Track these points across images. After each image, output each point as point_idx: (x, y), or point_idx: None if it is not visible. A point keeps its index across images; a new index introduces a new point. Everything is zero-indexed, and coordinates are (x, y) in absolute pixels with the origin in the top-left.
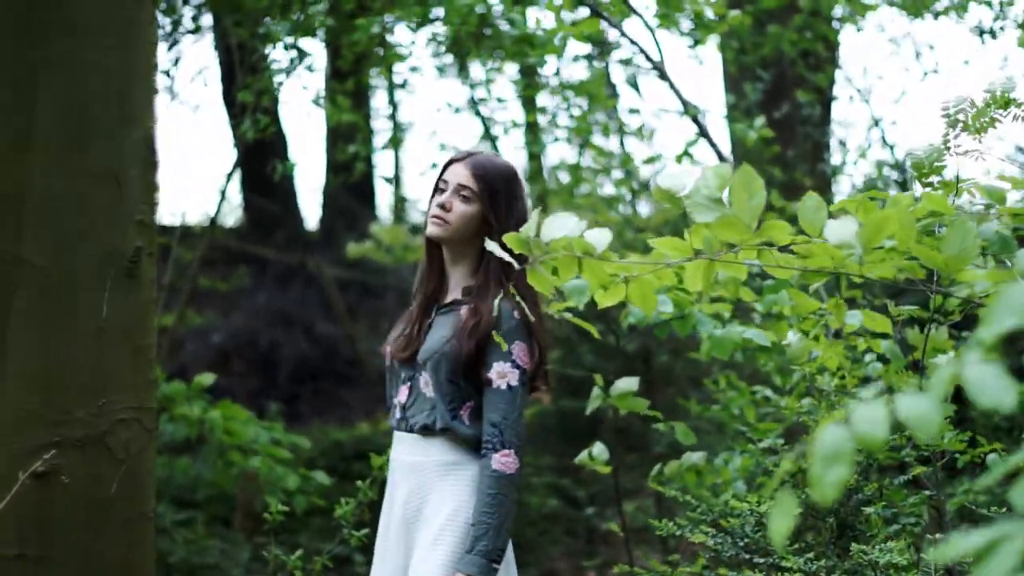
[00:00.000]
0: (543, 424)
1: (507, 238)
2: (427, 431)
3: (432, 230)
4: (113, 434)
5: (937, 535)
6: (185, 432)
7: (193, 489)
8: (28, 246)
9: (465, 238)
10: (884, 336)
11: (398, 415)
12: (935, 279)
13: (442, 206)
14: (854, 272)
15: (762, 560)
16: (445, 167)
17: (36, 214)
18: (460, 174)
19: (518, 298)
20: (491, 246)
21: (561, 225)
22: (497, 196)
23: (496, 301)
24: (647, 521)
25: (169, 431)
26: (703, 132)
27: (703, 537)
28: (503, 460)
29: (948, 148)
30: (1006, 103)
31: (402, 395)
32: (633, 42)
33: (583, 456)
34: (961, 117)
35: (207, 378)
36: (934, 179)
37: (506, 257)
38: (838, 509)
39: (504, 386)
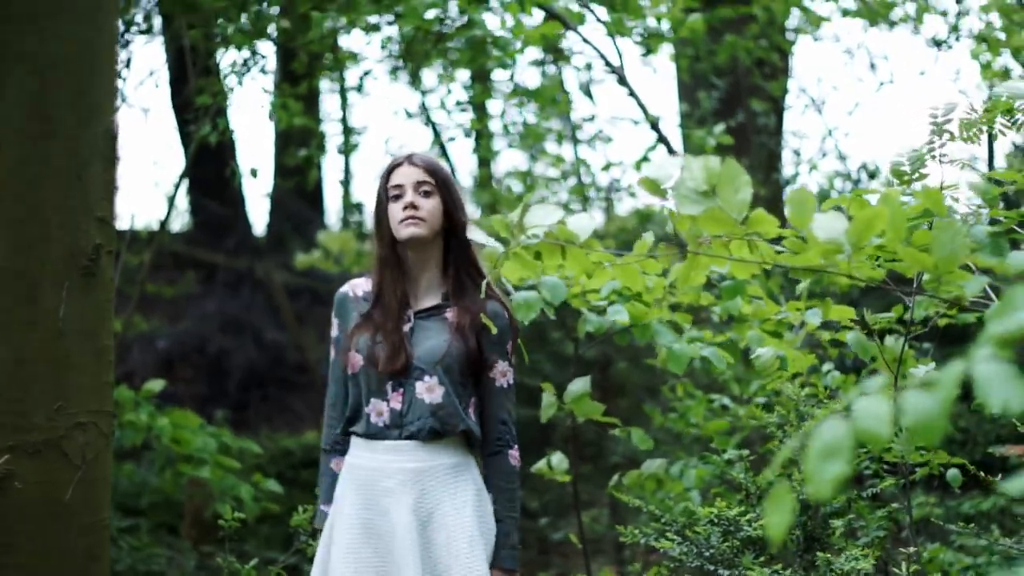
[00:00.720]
0: None
1: (494, 221)
2: (434, 436)
3: (411, 231)
4: (70, 439)
5: (909, 548)
6: (132, 439)
7: (138, 496)
8: None
9: (435, 234)
10: (848, 328)
11: (385, 423)
12: (915, 283)
13: (412, 205)
14: (842, 272)
15: (727, 572)
16: (388, 174)
17: None
18: (412, 173)
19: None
20: (474, 233)
21: (544, 214)
22: (450, 186)
23: (485, 299)
24: (611, 527)
25: (116, 437)
26: (662, 138)
27: (669, 544)
28: (515, 455)
29: (933, 155)
30: (1009, 110)
31: (394, 402)
32: (593, 47)
33: (541, 465)
34: (949, 126)
35: (156, 384)
36: (915, 186)
37: (490, 243)
38: (805, 522)
39: (506, 384)
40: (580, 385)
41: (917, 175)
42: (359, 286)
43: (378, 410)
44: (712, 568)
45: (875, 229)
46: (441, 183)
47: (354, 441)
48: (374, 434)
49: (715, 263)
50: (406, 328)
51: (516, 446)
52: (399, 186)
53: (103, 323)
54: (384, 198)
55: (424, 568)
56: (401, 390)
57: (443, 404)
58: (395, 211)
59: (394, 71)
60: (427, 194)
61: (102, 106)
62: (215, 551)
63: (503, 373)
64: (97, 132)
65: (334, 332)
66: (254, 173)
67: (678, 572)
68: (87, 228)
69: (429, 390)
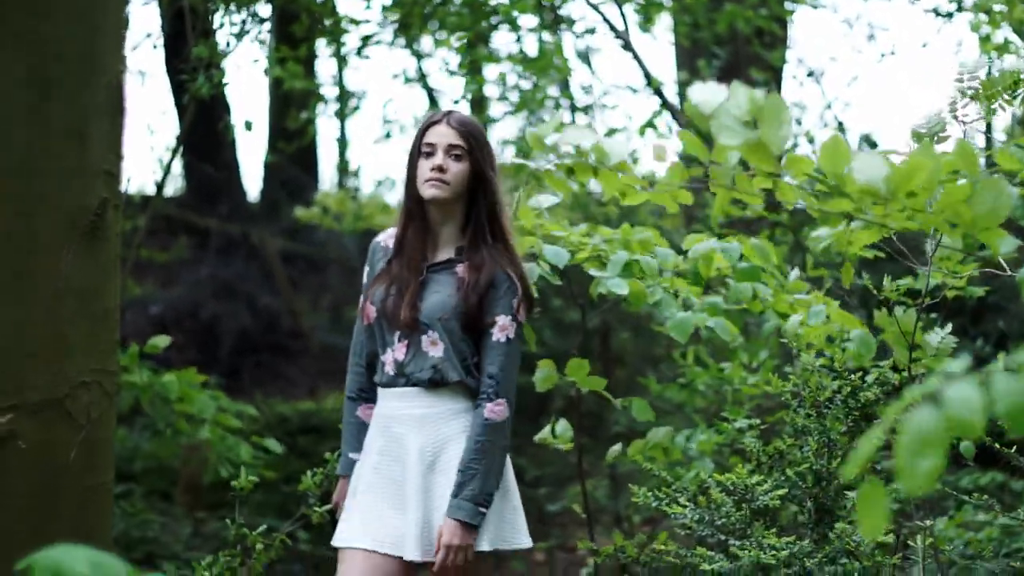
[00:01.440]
0: None
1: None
2: (436, 384)
3: (433, 192)
4: (73, 398)
5: (925, 522)
6: (131, 401)
7: (131, 461)
8: None
9: (458, 196)
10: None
11: (392, 372)
12: (934, 248)
13: (439, 167)
14: (876, 220)
15: (738, 542)
16: (424, 130)
17: None
18: (446, 134)
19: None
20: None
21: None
22: (484, 149)
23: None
24: (611, 498)
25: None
26: (666, 103)
27: (681, 510)
28: (495, 409)
29: (955, 116)
30: (1016, 83)
31: (399, 353)
32: (597, 10)
33: (544, 434)
34: (973, 85)
35: (162, 340)
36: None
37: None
38: (817, 494)
39: (504, 339)
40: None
41: (938, 138)
42: (391, 236)
43: (389, 359)
44: (723, 538)
45: (917, 179)
46: (473, 147)
47: (378, 390)
48: (387, 383)
49: (748, 200)
50: (420, 281)
51: (502, 400)
52: (431, 144)
53: (108, 280)
54: (416, 153)
55: (424, 511)
56: (407, 341)
57: (443, 359)
58: (423, 168)
59: (395, 37)
60: (457, 158)
61: (107, 57)
62: (209, 517)
63: (503, 328)
64: (101, 84)
65: (364, 280)
66: (248, 126)
67: (688, 540)
68: (92, 183)
69: (432, 344)
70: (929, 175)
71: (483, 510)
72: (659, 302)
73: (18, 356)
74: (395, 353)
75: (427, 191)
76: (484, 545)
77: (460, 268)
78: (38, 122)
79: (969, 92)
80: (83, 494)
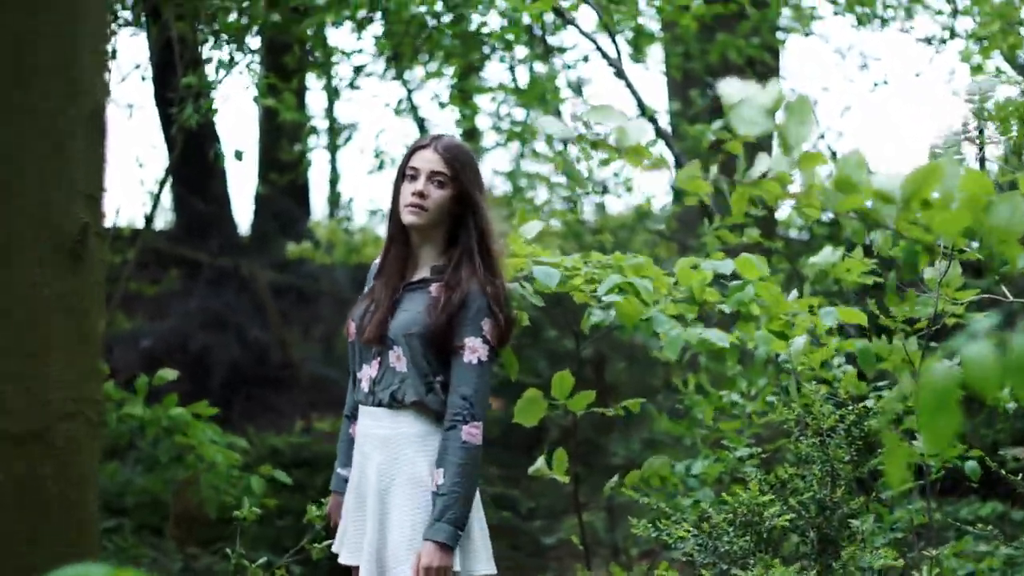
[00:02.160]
0: (486, 434)
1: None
2: (396, 404)
3: (410, 218)
4: (55, 428)
5: (932, 549)
6: (127, 435)
7: (121, 495)
8: None
9: (439, 221)
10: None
11: (365, 389)
12: (942, 274)
13: (419, 194)
14: (885, 224)
15: (741, 572)
16: (411, 154)
17: None
18: (431, 160)
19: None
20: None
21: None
22: (468, 175)
23: (468, 279)
24: (608, 531)
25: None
26: (660, 133)
27: (684, 534)
28: (472, 432)
29: (968, 137)
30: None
31: (372, 370)
32: (589, 38)
33: (539, 465)
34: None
35: (169, 373)
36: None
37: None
38: (820, 524)
39: (475, 361)
40: (564, 377)
41: (954, 157)
42: None
43: (365, 376)
44: (725, 568)
45: (931, 185)
46: (458, 173)
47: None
48: (361, 400)
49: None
50: (395, 299)
51: (478, 423)
52: (415, 169)
53: (92, 306)
54: (401, 176)
55: (379, 535)
56: (379, 359)
57: (405, 375)
58: (405, 192)
59: (387, 67)
60: (440, 184)
61: (88, 77)
62: (201, 552)
63: (473, 350)
64: (83, 104)
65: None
66: (239, 156)
67: (688, 569)
68: (72, 206)
69: (398, 359)
70: (946, 184)
71: (461, 532)
72: (650, 319)
73: None
74: (370, 370)
75: (406, 216)
76: (457, 566)
77: (434, 287)
78: (15, 137)
79: (983, 113)
80: (67, 529)
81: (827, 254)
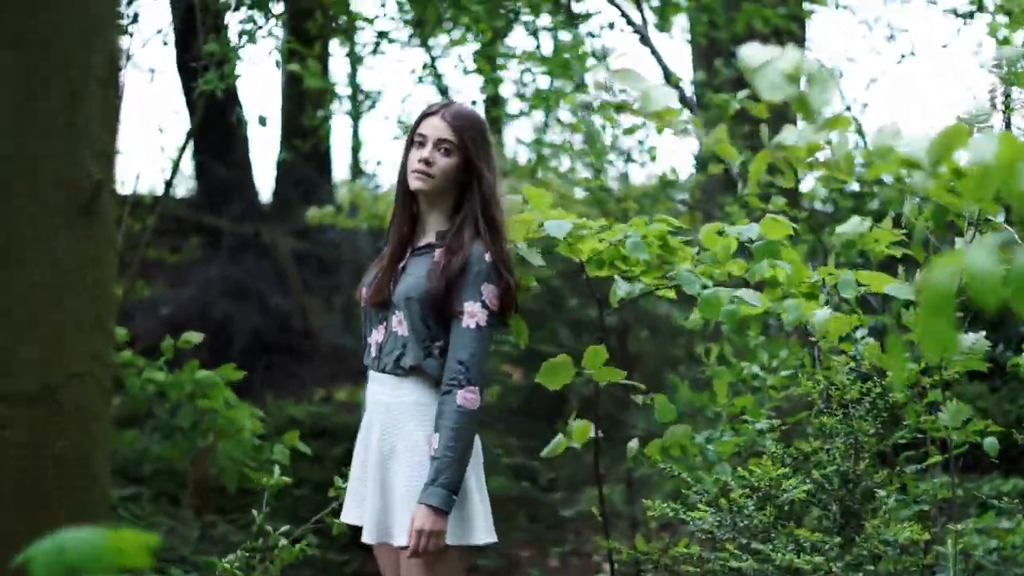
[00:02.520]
0: (507, 404)
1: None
2: (399, 370)
3: (416, 184)
4: (65, 388)
5: (957, 525)
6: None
7: (139, 463)
8: None
9: (444, 188)
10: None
11: (373, 354)
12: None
13: (425, 161)
14: (917, 191)
15: (761, 546)
16: (420, 120)
17: None
18: (438, 127)
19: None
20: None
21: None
22: (475, 144)
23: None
24: (627, 503)
25: (115, 403)
26: (685, 101)
27: (702, 514)
28: (467, 396)
29: (995, 105)
30: None
31: (378, 335)
32: (615, 4)
33: (554, 445)
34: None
35: (195, 336)
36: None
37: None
38: (843, 496)
39: (473, 325)
40: (597, 350)
41: (982, 126)
42: None
43: (372, 341)
44: (745, 541)
45: (958, 144)
46: (464, 141)
47: None
48: (369, 365)
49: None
50: (401, 264)
51: (474, 388)
52: (423, 135)
53: (104, 265)
54: (410, 142)
55: (381, 500)
56: (384, 324)
57: (406, 338)
58: (412, 158)
59: (411, 35)
60: (446, 152)
61: (101, 28)
62: (218, 520)
63: (471, 314)
64: (96, 56)
65: None
66: (262, 121)
67: (710, 544)
68: (84, 161)
69: (399, 323)
70: (976, 147)
71: (455, 497)
72: (683, 279)
73: (7, 341)
74: (377, 335)
75: (412, 182)
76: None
77: (437, 252)
78: (26, 90)
79: (1010, 82)
80: (76, 491)
81: (855, 223)
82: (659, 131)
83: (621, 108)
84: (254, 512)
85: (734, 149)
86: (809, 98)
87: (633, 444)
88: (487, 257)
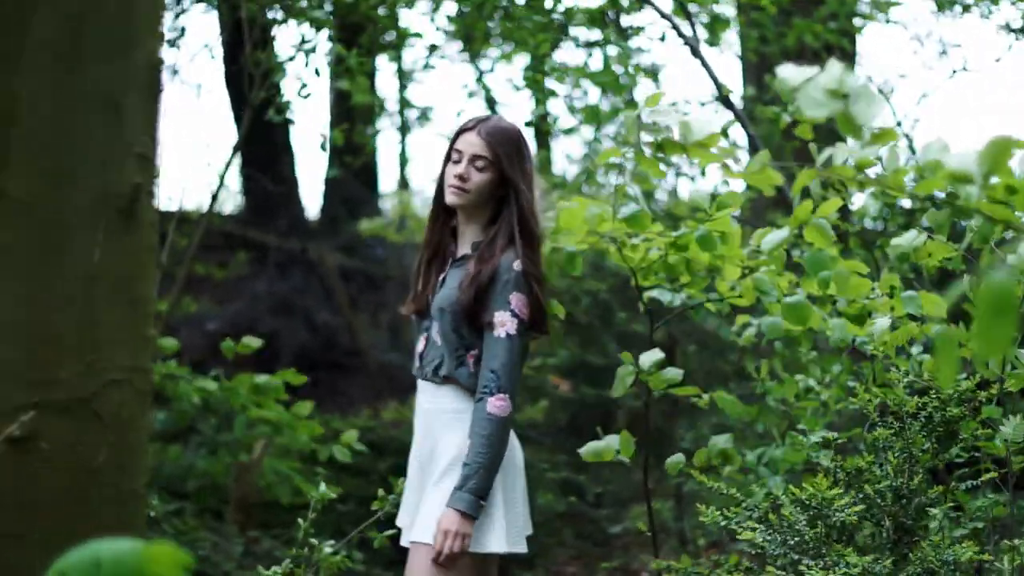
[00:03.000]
0: (554, 419)
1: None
2: (437, 378)
3: (452, 199)
4: (103, 397)
5: (1014, 541)
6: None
7: (183, 479)
8: (14, 179)
9: (481, 202)
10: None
11: (417, 363)
12: None
13: (460, 176)
14: (967, 206)
15: (812, 562)
16: (456, 136)
17: (24, 143)
18: (474, 143)
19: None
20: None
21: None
22: (510, 159)
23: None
24: (676, 519)
25: (160, 418)
26: (736, 114)
27: (751, 535)
28: (498, 404)
29: None
30: None
31: (420, 344)
32: (666, 17)
33: (593, 447)
34: None
35: (254, 341)
36: None
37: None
38: (896, 512)
39: (503, 335)
40: (653, 356)
41: None
42: None
43: (417, 350)
44: (797, 558)
45: (1007, 156)
46: (499, 157)
47: None
48: (415, 373)
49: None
50: (441, 276)
51: (504, 396)
52: (459, 151)
53: (142, 270)
54: (447, 157)
55: (417, 507)
56: (426, 333)
57: (441, 349)
58: (449, 173)
59: (461, 50)
60: (481, 169)
61: (145, 30)
62: (262, 535)
63: (502, 323)
64: (138, 59)
65: None
66: (324, 146)
67: (760, 561)
68: (124, 165)
69: (437, 333)
70: None
71: (483, 503)
72: (761, 285)
73: (44, 345)
74: (420, 344)
75: (448, 197)
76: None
77: (471, 263)
78: (68, 93)
79: None
80: (113, 502)
81: (911, 236)
82: (702, 168)
83: (662, 147)
84: (299, 521)
85: (776, 175)
86: (855, 114)
87: (675, 458)
88: (516, 266)
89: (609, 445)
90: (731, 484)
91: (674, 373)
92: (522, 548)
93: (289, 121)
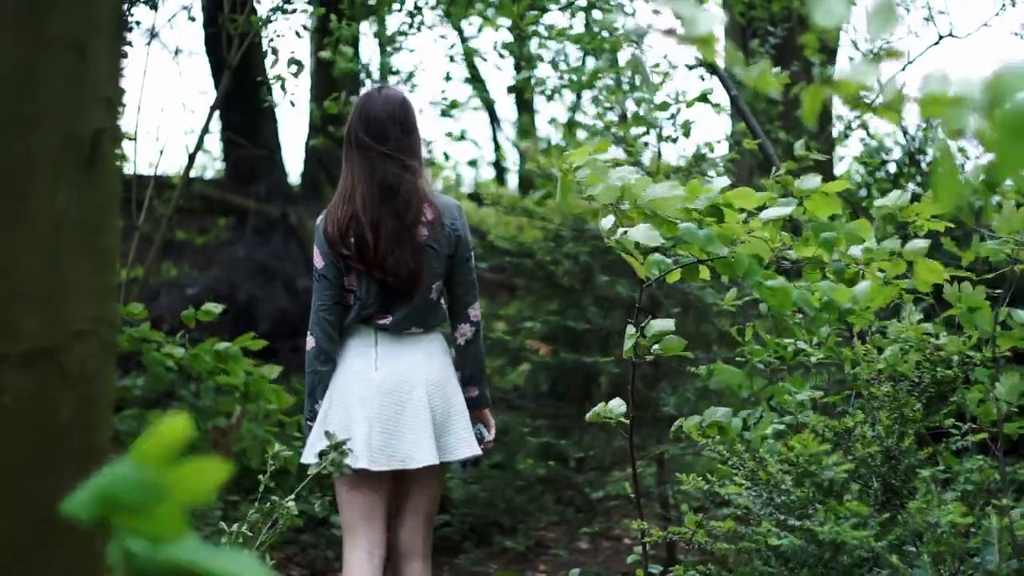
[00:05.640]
0: (536, 384)
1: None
2: None
3: None
4: (66, 349)
5: (1004, 501)
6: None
7: None
8: None
9: None
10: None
11: None
12: None
13: None
14: (970, 135)
15: (797, 523)
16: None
17: None
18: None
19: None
20: None
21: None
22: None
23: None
24: (659, 483)
25: (138, 383)
26: (719, 76)
27: (736, 490)
28: (307, 339)
29: None
30: None
31: None
32: None
33: (597, 410)
34: None
35: (215, 307)
36: None
37: None
38: (885, 473)
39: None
40: (664, 324)
41: None
42: None
43: None
44: (783, 518)
45: (1018, 85)
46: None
47: None
48: None
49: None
50: None
51: (309, 334)
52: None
53: (106, 219)
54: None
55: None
56: None
57: None
58: None
59: (443, 16)
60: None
61: None
62: (240, 500)
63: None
64: (101, 2)
65: None
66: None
67: (746, 521)
68: (88, 110)
69: None
70: None
71: (309, 424)
72: (748, 267)
73: (6, 296)
74: None
75: None
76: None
77: None
78: (32, 36)
79: None
80: (79, 457)
81: (896, 196)
82: (686, 130)
83: (670, 33)
84: (260, 477)
85: (777, 82)
86: (872, 26)
87: (691, 420)
88: (317, 223)
89: (611, 408)
90: (719, 445)
91: (678, 341)
92: (358, 465)
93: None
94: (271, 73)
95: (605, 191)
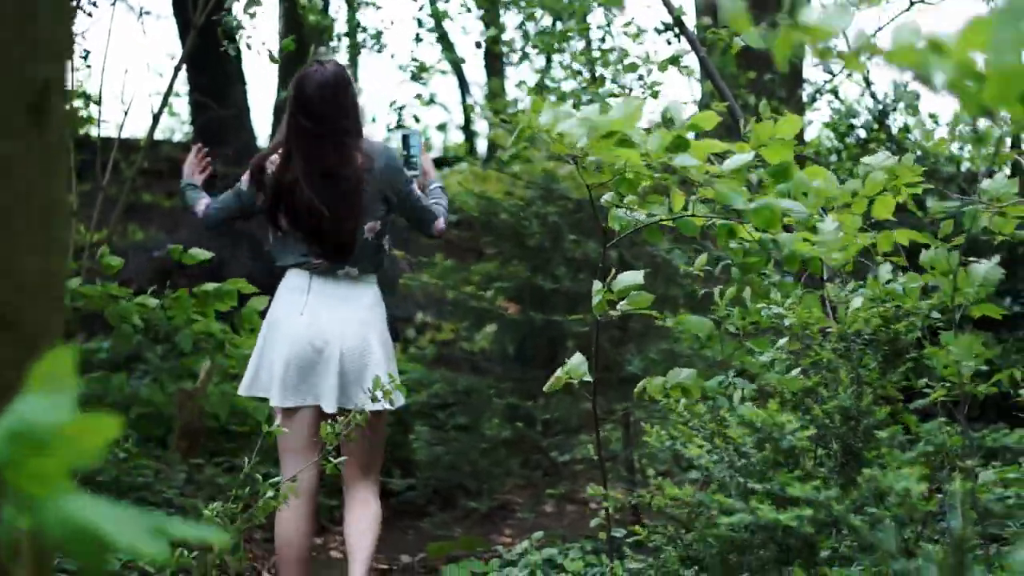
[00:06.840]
0: (503, 346)
1: None
2: None
3: None
4: (14, 305)
5: (966, 461)
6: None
7: (127, 408)
8: None
9: None
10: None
11: None
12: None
13: None
14: (938, 85)
15: (759, 487)
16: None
17: None
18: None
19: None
20: None
21: None
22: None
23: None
24: (624, 447)
25: (104, 346)
26: (688, 38)
27: (697, 451)
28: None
29: None
30: None
31: None
32: None
33: (559, 374)
34: None
35: (203, 253)
36: None
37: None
38: (844, 434)
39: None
40: (632, 277)
41: None
42: None
43: None
44: (742, 481)
45: (985, 36)
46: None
47: None
48: None
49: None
50: None
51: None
52: None
53: (54, 170)
54: None
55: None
56: None
57: None
58: None
59: None
60: None
61: None
62: (206, 463)
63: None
64: None
65: None
66: (273, 58)
67: (706, 485)
68: (36, 59)
69: None
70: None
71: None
72: (726, 196)
73: None
74: None
75: None
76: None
77: None
78: None
79: None
80: None
81: (881, 157)
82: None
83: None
84: (246, 460)
85: (750, 25)
86: None
87: (656, 380)
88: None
89: (573, 365)
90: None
91: (646, 296)
92: (273, 402)
93: (239, 51)
94: (233, 18)
95: (566, 122)
